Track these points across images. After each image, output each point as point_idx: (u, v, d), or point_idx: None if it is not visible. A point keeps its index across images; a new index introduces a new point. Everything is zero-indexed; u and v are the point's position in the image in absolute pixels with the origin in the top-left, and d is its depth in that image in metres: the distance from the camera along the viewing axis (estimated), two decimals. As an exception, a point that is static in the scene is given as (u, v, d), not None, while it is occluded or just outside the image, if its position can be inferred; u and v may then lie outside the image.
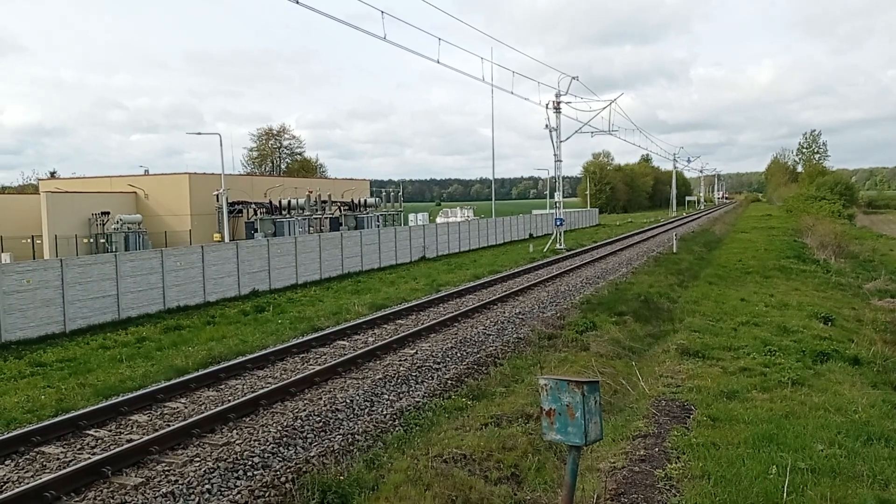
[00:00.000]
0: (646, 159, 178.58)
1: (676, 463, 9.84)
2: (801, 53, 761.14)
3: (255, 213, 54.96)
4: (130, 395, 14.10)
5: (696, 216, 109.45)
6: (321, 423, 12.59)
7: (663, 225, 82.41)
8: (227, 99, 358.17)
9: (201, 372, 15.95)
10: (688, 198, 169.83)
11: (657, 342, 19.96)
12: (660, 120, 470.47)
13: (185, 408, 13.51)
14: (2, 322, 20.90)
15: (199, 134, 60.71)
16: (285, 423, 12.34)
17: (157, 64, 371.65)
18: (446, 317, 21.77)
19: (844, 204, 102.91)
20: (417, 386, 15.23)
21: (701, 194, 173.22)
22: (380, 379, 15.18)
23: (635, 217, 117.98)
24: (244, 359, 16.94)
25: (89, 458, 10.79)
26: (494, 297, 25.56)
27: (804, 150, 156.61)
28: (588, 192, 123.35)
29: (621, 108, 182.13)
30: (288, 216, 54.65)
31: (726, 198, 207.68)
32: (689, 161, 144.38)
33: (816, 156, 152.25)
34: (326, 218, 59.49)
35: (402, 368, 16.07)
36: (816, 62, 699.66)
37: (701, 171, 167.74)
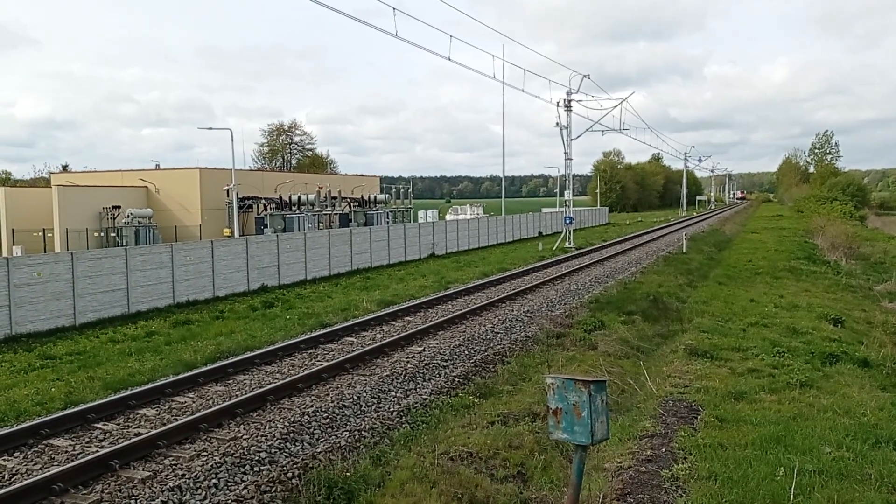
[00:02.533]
0: (657, 158, 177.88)
1: (683, 463, 9.81)
2: (816, 52, 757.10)
3: (266, 209, 55.19)
4: (139, 389, 14.16)
5: (706, 216, 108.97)
6: (328, 420, 12.62)
7: (673, 224, 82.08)
8: (238, 94, 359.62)
9: (209, 367, 16.00)
10: (698, 197, 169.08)
11: (665, 342, 19.91)
12: (671, 118, 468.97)
13: (193, 402, 13.57)
14: (12, 315, 21.05)
15: (210, 129, 60.39)
16: (292, 419, 12.37)
17: (168, 58, 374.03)
18: (454, 314, 21.77)
19: (856, 205, 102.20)
20: (425, 383, 15.24)
21: (712, 194, 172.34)
22: (387, 376, 15.19)
23: (645, 216, 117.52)
24: (252, 354, 16.98)
25: (97, 451, 10.85)
26: (503, 295, 25.54)
27: (816, 151, 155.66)
28: (598, 191, 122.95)
29: (632, 107, 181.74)
30: (298, 212, 54.83)
31: (740, 197, 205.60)
32: (700, 160, 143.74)
33: (829, 156, 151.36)
34: (336, 214, 59.63)
35: (409, 365, 16.08)
36: (832, 61, 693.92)
37: (712, 171, 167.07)
